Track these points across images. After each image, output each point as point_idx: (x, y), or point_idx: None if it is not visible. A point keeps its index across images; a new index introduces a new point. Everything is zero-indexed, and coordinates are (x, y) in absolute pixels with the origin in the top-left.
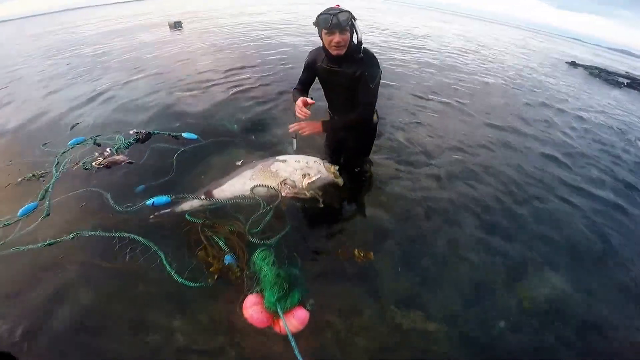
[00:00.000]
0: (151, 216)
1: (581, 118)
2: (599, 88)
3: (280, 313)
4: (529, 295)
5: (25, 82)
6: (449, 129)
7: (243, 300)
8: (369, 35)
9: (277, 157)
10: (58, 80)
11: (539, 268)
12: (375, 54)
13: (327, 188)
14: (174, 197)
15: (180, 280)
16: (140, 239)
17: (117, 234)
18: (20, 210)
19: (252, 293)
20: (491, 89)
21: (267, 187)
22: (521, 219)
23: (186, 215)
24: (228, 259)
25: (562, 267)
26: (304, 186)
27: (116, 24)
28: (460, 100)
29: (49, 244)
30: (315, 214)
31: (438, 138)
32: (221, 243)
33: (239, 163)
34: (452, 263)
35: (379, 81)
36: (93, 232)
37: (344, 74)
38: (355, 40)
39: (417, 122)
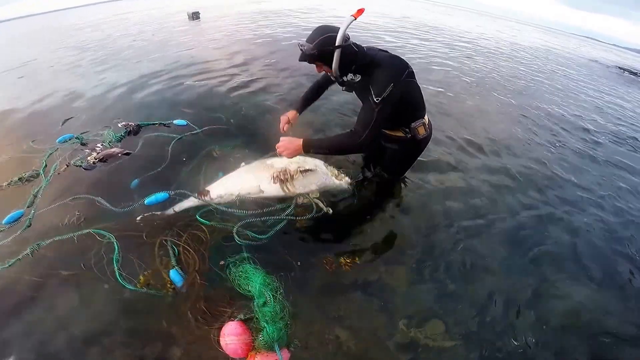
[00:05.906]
0: (138, 218)
1: None
2: None
3: (278, 354)
4: (550, 311)
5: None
6: (486, 131)
7: (222, 326)
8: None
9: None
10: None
11: (562, 284)
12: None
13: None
14: (172, 193)
15: (119, 278)
16: (101, 231)
17: (74, 234)
18: (5, 219)
19: (236, 320)
20: (529, 96)
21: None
22: (549, 233)
23: (196, 216)
24: (173, 273)
25: (587, 285)
26: (295, 176)
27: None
28: (501, 102)
29: (9, 266)
30: (325, 222)
31: (470, 141)
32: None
33: (244, 164)
34: (471, 277)
35: (391, 100)
36: (51, 239)
37: (354, 83)
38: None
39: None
